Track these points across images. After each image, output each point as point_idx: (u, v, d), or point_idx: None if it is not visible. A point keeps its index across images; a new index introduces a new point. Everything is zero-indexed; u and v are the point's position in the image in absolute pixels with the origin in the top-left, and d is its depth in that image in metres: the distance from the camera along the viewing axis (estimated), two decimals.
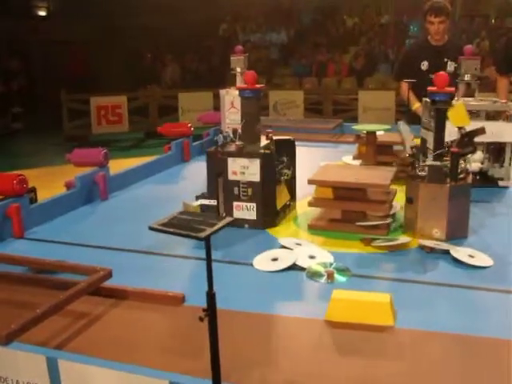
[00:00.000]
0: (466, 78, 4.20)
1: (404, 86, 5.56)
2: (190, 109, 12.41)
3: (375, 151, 4.10)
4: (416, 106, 5.32)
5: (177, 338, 2.16)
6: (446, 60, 5.17)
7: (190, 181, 4.43)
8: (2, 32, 13.98)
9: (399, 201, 3.34)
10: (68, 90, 12.20)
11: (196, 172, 4.70)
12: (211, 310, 1.50)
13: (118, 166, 4.37)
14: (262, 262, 2.75)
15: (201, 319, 1.54)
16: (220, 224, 1.48)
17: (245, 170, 3.21)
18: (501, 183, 4.01)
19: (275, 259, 2.75)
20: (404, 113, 6.00)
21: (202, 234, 1.43)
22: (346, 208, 3.23)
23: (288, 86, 15.02)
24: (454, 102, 3.21)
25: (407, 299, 2.39)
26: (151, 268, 2.79)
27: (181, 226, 1.49)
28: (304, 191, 3.57)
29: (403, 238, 2.99)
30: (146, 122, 12.93)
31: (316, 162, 4.37)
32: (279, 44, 17.69)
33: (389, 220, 3.19)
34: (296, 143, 5.57)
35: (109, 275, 2.38)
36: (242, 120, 3.40)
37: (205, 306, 1.92)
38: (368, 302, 2.26)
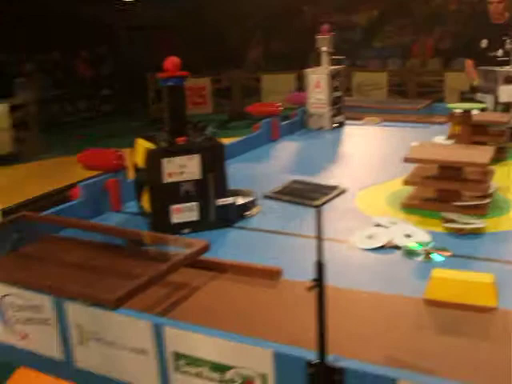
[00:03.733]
0: None
1: (468, 62, 5.77)
2: (273, 91, 12.41)
3: (470, 131, 3.97)
4: (477, 81, 5.45)
5: (276, 310, 2.17)
6: (504, 38, 5.27)
7: (279, 159, 4.45)
8: (92, 17, 14.39)
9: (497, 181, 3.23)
10: (154, 73, 12.38)
11: (284, 151, 4.72)
12: (320, 280, 1.49)
13: None
14: (358, 239, 2.72)
15: (309, 289, 1.53)
16: (333, 193, 1.46)
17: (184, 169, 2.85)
18: None
19: (371, 237, 2.72)
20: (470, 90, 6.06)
21: (317, 202, 1.42)
22: (443, 187, 3.14)
23: (371, 67, 14.74)
24: None
25: (507, 281, 2.30)
26: (243, 243, 2.81)
27: (294, 194, 1.48)
28: (394, 171, 3.50)
29: (478, 222, 2.86)
30: (229, 104, 13.03)
31: (405, 142, 4.29)
32: (363, 25, 17.36)
33: (487, 200, 3.08)
34: (383, 123, 5.54)
35: (207, 248, 2.41)
36: (165, 112, 3.07)
37: (302, 279, 1.92)
38: (470, 281, 2.19)
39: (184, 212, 2.83)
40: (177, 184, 2.82)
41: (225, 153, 2.91)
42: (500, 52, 5.38)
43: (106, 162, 3.23)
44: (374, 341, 1.95)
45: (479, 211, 3.00)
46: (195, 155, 2.81)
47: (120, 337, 1.95)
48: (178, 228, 2.77)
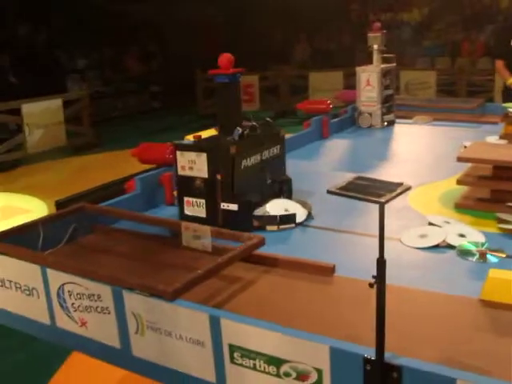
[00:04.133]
0: None
1: (499, 63, 5.85)
2: (320, 88, 12.38)
3: None
4: (510, 81, 5.64)
5: (331, 306, 2.17)
6: None
7: (329, 157, 4.45)
8: (141, 15, 14.60)
9: None
10: (203, 70, 12.53)
11: (334, 148, 4.72)
12: (381, 278, 1.50)
13: None
14: (410, 238, 2.71)
15: (371, 285, 1.54)
16: (398, 190, 1.46)
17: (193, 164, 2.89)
18: None
19: (424, 236, 2.70)
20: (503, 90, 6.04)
21: (383, 199, 1.42)
22: (498, 187, 3.10)
23: (420, 66, 14.54)
24: None
25: None
26: (298, 239, 2.83)
27: (359, 190, 1.49)
28: (446, 170, 3.47)
29: None
30: (276, 101, 13.05)
31: (456, 142, 4.24)
32: (411, 23, 17.14)
33: None
34: (434, 123, 5.47)
35: (262, 243, 2.44)
36: (217, 109, 3.06)
37: (356, 277, 1.93)
38: None
39: (194, 206, 2.88)
40: (189, 178, 2.88)
41: (233, 156, 2.84)
42: None
43: (161, 155, 3.29)
44: (430, 340, 1.94)
45: None
46: (202, 153, 2.83)
47: (177, 327, 1.98)
48: (191, 221, 2.77)
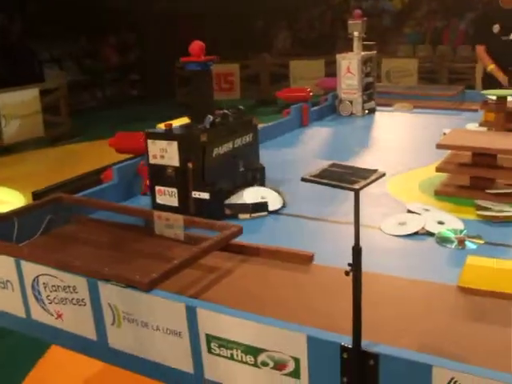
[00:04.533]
0: None
1: (480, 49, 5.83)
2: (302, 77, 12.36)
3: (505, 118, 3.90)
4: (491, 67, 5.64)
5: (309, 294, 2.16)
6: None
7: (309, 145, 4.43)
8: (120, 5, 14.44)
9: None
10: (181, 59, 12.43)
11: (315, 136, 4.70)
12: (357, 265, 1.49)
13: None
14: (390, 225, 2.70)
15: (346, 273, 1.52)
16: (373, 177, 1.45)
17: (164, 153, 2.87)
18: None
19: (403, 223, 2.70)
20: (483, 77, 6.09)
21: (357, 186, 1.40)
22: (476, 174, 3.10)
23: (401, 53, 14.56)
24: None
25: None
26: (277, 228, 2.81)
27: (333, 177, 1.47)
28: (426, 158, 3.47)
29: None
30: (257, 90, 13.01)
31: (437, 129, 4.24)
32: (392, 11, 17.14)
33: None
34: (415, 110, 5.48)
35: (239, 232, 2.42)
36: (189, 97, 3.06)
37: (334, 265, 1.91)
38: (505, 269, 2.15)
39: (166, 195, 2.86)
40: (160, 167, 2.85)
41: (204, 144, 2.81)
42: None
43: (137, 144, 3.24)
44: (407, 327, 1.93)
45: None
46: (173, 142, 2.80)
47: (153, 318, 1.96)
48: (163, 210, 2.77)
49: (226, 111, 3.05)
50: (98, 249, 2.54)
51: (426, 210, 2.85)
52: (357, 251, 1.50)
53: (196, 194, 2.81)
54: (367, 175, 1.47)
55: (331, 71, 5.35)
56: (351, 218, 2.70)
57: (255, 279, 2.28)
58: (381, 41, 14.93)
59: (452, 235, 2.57)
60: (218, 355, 1.86)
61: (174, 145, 2.81)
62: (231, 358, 1.83)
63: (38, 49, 13.45)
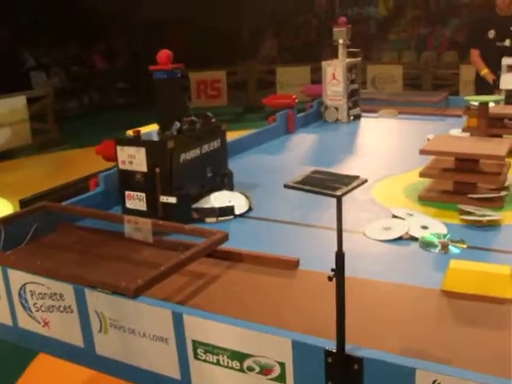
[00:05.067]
0: None
1: (474, 53, 5.96)
2: (288, 83, 12.40)
3: (487, 124, 3.95)
4: (484, 71, 5.76)
5: (295, 299, 2.18)
6: (511, 29, 5.54)
7: (295, 151, 4.46)
8: (106, 10, 14.42)
9: None
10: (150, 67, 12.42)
11: (300, 143, 4.73)
12: (340, 271, 1.51)
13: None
14: (374, 230, 2.73)
15: (329, 279, 1.55)
16: (354, 183, 1.47)
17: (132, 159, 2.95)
18: None
19: (387, 228, 2.73)
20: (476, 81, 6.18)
21: (338, 192, 1.43)
22: (459, 179, 3.14)
23: (386, 60, 14.67)
24: None
25: None
26: (262, 234, 2.83)
27: (315, 184, 1.49)
28: (411, 163, 3.50)
29: (495, 214, 2.85)
30: (244, 97, 13.03)
31: (421, 135, 4.29)
32: (377, 18, 17.27)
33: (504, 193, 3.08)
34: (399, 116, 5.53)
35: (225, 238, 2.43)
36: (158, 104, 3.12)
37: (320, 270, 1.93)
38: (487, 273, 2.19)
39: (135, 200, 2.93)
40: (129, 172, 2.93)
41: (171, 150, 2.89)
42: (508, 42, 5.48)
43: None
44: (392, 331, 1.96)
45: (495, 204, 3.00)
46: (141, 148, 2.88)
47: (140, 324, 1.97)
48: (132, 214, 2.81)
49: (193, 118, 3.11)
50: (85, 256, 2.54)
51: (410, 214, 2.88)
52: (340, 256, 1.52)
53: (164, 199, 2.88)
54: (349, 182, 1.50)
55: (317, 78, 5.39)
56: (332, 223, 2.75)
57: (242, 285, 2.30)
58: (366, 47, 15.06)
59: (435, 240, 2.60)
60: (205, 361, 1.87)
61: (142, 151, 2.89)
62: (217, 363, 1.85)
63: (25, 56, 13.41)
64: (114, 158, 3.35)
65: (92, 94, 14.00)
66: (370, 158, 4.18)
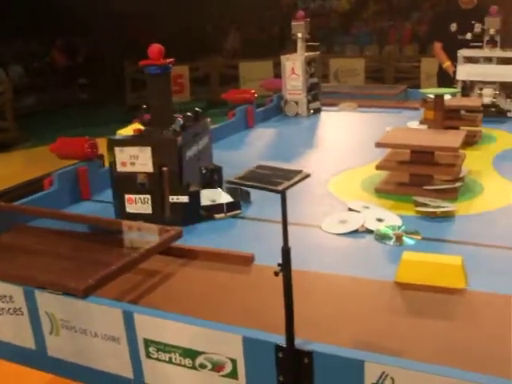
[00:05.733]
0: (491, 32, 5.02)
1: (437, 46, 6.11)
2: (251, 78, 12.41)
3: (443, 116, 4.00)
4: (446, 64, 5.91)
5: (247, 295, 2.18)
6: (473, 22, 5.51)
7: (254, 146, 4.45)
8: (66, 5, 14.21)
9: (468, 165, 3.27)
10: (131, 61, 12.37)
11: (260, 137, 4.72)
12: (286, 265, 1.51)
13: None
14: (330, 224, 2.74)
15: (276, 274, 1.54)
16: (297, 178, 1.47)
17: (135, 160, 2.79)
18: (509, 114, 4.83)
19: (343, 222, 2.74)
20: (438, 74, 6.28)
21: (280, 187, 1.42)
22: (414, 171, 3.17)
23: (348, 53, 14.78)
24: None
25: (478, 263, 2.33)
26: (219, 229, 2.82)
27: (258, 179, 1.49)
28: (369, 156, 3.52)
29: (449, 205, 2.88)
30: (207, 92, 13.00)
31: (380, 127, 4.31)
32: (339, 11, 17.36)
33: (458, 184, 3.12)
34: (359, 109, 5.56)
35: (179, 235, 2.42)
36: (150, 101, 2.95)
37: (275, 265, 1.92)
38: (439, 263, 2.21)
39: (138, 203, 2.79)
40: (131, 174, 2.78)
41: (180, 147, 2.78)
42: (469, 35, 5.55)
43: (79, 150, 3.22)
44: (345, 324, 1.97)
45: (450, 195, 3.04)
46: (146, 147, 2.74)
47: (91, 325, 1.95)
48: (133, 218, 2.72)
49: (188, 114, 3.04)
50: (36, 257, 2.50)
51: (366, 207, 2.90)
52: (286, 251, 1.52)
53: (174, 199, 2.77)
54: (291, 176, 1.49)
55: (280, 72, 5.38)
56: (296, 219, 2.76)
57: (195, 282, 2.29)
58: (329, 41, 15.15)
59: (390, 232, 2.62)
60: (157, 359, 1.86)
61: (147, 150, 2.74)
62: (170, 361, 1.83)
63: None
64: (70, 156, 3.32)
65: (52, 90, 13.79)
66: (329, 152, 4.20)
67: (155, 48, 2.85)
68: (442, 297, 2.11)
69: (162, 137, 2.81)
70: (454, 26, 5.88)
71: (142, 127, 2.90)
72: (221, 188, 3.11)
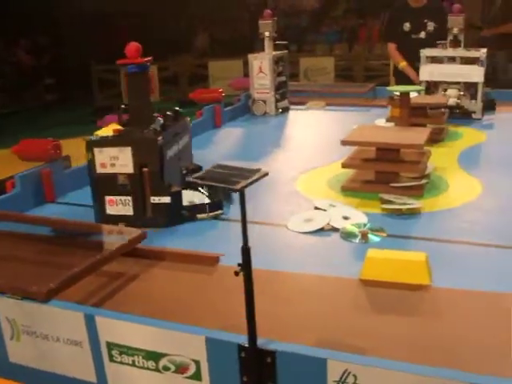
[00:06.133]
0: (455, 31, 4.93)
1: (391, 46, 6.04)
2: (221, 77, 12.38)
3: (409, 113, 4.02)
4: (402, 64, 5.86)
5: (213, 296, 2.17)
6: (425, 21, 5.66)
7: (222, 146, 4.43)
8: (33, 5, 14.03)
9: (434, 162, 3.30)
10: (98, 61, 12.26)
11: (227, 137, 4.71)
12: (246, 265, 1.50)
13: None
14: (296, 223, 2.74)
15: (236, 274, 1.54)
16: (255, 176, 1.46)
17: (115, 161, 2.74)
18: (474, 116, 4.83)
19: (309, 220, 2.74)
20: (394, 73, 6.34)
21: (237, 186, 1.42)
22: (380, 169, 3.19)
23: (319, 52, 14.83)
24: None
25: (442, 259, 2.35)
26: (185, 230, 2.80)
27: (216, 178, 1.48)
28: (337, 154, 3.53)
29: (414, 202, 2.91)
30: (176, 91, 12.93)
31: (348, 125, 4.32)
32: (309, 10, 17.41)
33: (423, 181, 3.14)
34: (328, 107, 5.58)
35: (143, 236, 2.39)
36: (128, 100, 2.91)
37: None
38: (404, 260, 2.23)
39: (118, 205, 2.75)
40: (111, 175, 2.73)
41: (161, 147, 2.74)
42: (423, 34, 5.59)
43: (42, 151, 3.17)
44: (309, 322, 1.97)
45: (416, 192, 3.06)
46: (126, 148, 2.69)
47: (53, 329, 1.92)
48: (114, 220, 2.68)
49: (168, 113, 3.00)
50: None
51: (333, 205, 2.91)
52: (246, 251, 1.51)
53: (156, 200, 2.73)
54: (250, 175, 1.49)
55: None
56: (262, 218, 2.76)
57: (160, 283, 2.27)
58: (299, 40, 15.19)
59: (356, 230, 2.63)
60: (120, 363, 1.83)
61: (128, 151, 2.69)
62: (133, 364, 1.81)
63: None
64: (33, 158, 3.27)
65: (17, 91, 13.58)
66: (296, 151, 4.20)
67: (133, 46, 2.80)
68: (406, 293, 2.13)
69: (143, 136, 2.76)
70: (406, 26, 5.82)
71: (120, 127, 2.85)
72: (202, 188, 3.05)
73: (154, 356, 1.76)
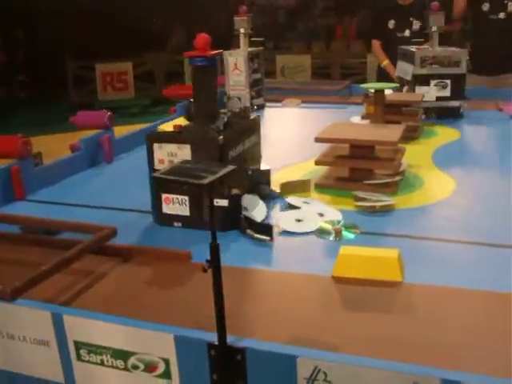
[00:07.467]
0: (433, 29, 4.80)
1: (375, 44, 6.00)
2: None
3: (384, 110, 4.04)
4: (385, 62, 5.85)
5: (183, 293, 2.14)
6: (411, 19, 5.61)
7: None
8: (6, 1, 13.84)
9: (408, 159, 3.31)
10: (73, 58, 12.12)
11: None
12: (215, 262, 1.48)
13: (125, 132, 4.33)
14: (288, 222, 2.67)
15: (204, 270, 1.51)
16: (222, 172, 1.44)
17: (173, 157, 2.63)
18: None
19: (300, 220, 2.70)
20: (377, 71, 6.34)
21: (204, 181, 1.39)
22: (354, 166, 3.19)
23: (296, 50, 14.83)
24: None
25: (416, 255, 2.35)
26: (157, 228, 2.77)
27: (183, 174, 1.45)
28: (311, 151, 3.52)
29: (388, 199, 2.90)
30: (152, 89, 12.84)
31: (324, 122, 4.31)
32: (286, 7, 17.42)
33: (397, 178, 3.15)
34: (303, 105, 5.57)
35: (113, 233, 2.36)
36: (195, 94, 2.75)
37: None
38: (376, 257, 2.22)
39: (175, 203, 2.63)
40: None
41: (222, 147, 2.58)
42: (407, 32, 5.58)
43: (11, 148, 3.11)
44: (280, 319, 1.95)
45: (390, 189, 3.06)
46: (185, 145, 2.58)
47: (19, 329, 1.88)
48: (170, 220, 2.60)
49: (234, 110, 2.91)
50: None
51: (306, 203, 2.89)
52: (214, 247, 1.49)
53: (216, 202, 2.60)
54: (216, 171, 1.47)
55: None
56: None
57: (130, 281, 2.24)
58: (276, 37, 15.18)
59: (329, 227, 2.62)
60: (88, 362, 1.80)
61: (187, 148, 2.58)
62: (102, 363, 1.78)
63: None
64: (1, 155, 3.21)
65: None
66: (270, 148, 4.15)
67: (202, 38, 2.66)
68: (378, 290, 2.12)
69: (203, 134, 2.62)
70: (392, 23, 5.79)
71: (182, 123, 2.73)
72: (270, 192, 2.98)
73: (123, 355, 1.74)
